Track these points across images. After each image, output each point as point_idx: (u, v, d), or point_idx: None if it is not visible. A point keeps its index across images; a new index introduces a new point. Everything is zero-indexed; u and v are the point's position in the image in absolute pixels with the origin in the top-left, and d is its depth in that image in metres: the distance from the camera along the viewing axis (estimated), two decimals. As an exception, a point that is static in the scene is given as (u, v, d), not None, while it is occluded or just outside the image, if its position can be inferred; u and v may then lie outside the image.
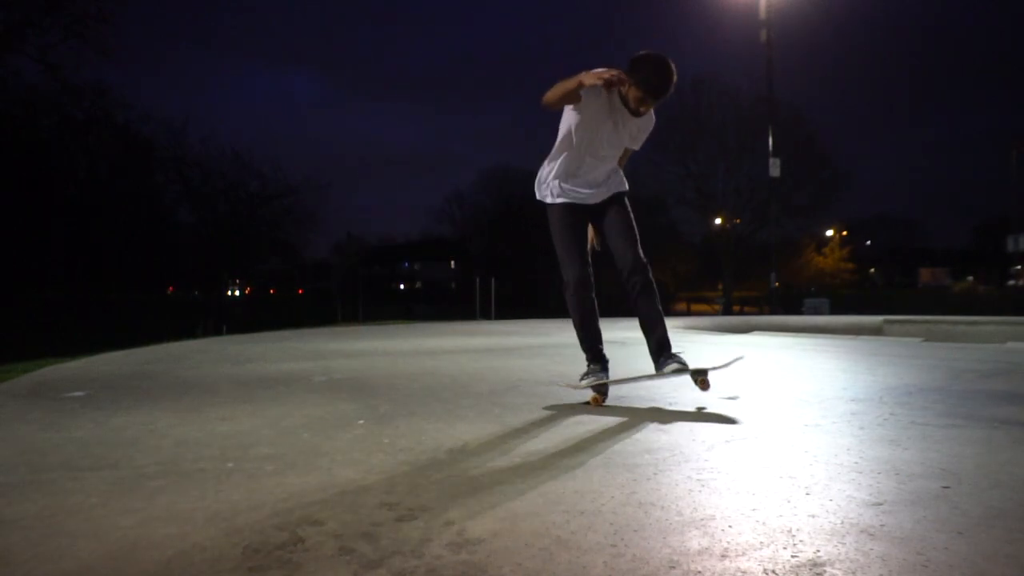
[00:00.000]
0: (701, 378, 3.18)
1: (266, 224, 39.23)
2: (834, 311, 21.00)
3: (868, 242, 63.04)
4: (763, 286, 25.64)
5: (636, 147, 3.30)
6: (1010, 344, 6.74)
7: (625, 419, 2.87)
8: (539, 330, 9.28)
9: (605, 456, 2.25)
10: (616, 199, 3.29)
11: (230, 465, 2.16)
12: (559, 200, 3.26)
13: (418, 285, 68.61)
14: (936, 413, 2.95)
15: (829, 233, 47.35)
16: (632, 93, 2.99)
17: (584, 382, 3.24)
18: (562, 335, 8.07)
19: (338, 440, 2.50)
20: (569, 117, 3.12)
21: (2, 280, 28.39)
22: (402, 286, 69.64)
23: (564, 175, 3.23)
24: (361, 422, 2.83)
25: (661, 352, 3.23)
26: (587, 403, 3.20)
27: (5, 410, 3.27)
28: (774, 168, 18.19)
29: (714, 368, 3.26)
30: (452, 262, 64.80)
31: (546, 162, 3.30)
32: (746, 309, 33.55)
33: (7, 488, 1.94)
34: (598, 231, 3.35)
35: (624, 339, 6.65)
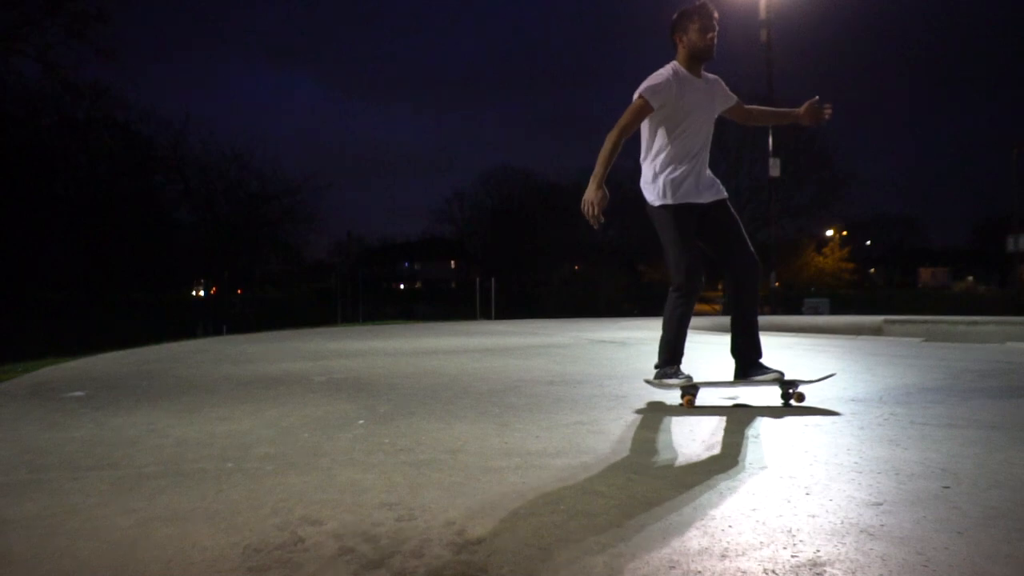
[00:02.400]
0: (795, 392, 3.18)
1: (266, 224, 39.30)
2: (834, 311, 21.02)
3: (868, 242, 62.98)
4: (763, 286, 25.63)
5: (732, 103, 3.40)
6: (1009, 344, 6.73)
7: (625, 419, 2.87)
8: (539, 330, 9.28)
9: (605, 456, 2.26)
10: (723, 203, 3.34)
11: (230, 465, 2.16)
12: (675, 202, 3.24)
13: (418, 285, 68.59)
14: (936, 413, 2.95)
15: (829, 233, 47.29)
16: (692, 29, 3.17)
17: (674, 381, 3.23)
18: (562, 335, 8.08)
19: (338, 440, 2.50)
20: (654, 117, 3.19)
21: (2, 280, 28.41)
22: (402, 286, 69.61)
23: (674, 168, 3.23)
24: (361, 422, 2.83)
25: (754, 357, 3.28)
26: (680, 405, 3.16)
27: (5, 410, 3.27)
28: (774, 168, 18.15)
29: (808, 382, 3.25)
30: (452, 262, 64.80)
31: (645, 163, 3.31)
32: (746, 309, 33.47)
33: (7, 488, 1.95)
34: (700, 231, 3.33)
35: (624, 339, 6.65)
